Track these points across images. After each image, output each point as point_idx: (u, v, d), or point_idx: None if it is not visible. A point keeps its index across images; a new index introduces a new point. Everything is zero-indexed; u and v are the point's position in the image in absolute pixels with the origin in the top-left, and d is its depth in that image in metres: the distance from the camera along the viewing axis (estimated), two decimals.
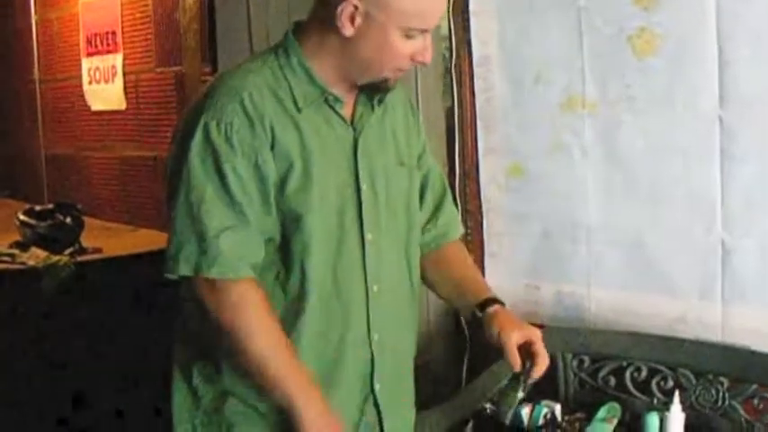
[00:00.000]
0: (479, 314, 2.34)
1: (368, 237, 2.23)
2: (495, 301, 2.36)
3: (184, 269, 2.08)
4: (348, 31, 2.09)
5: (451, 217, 2.55)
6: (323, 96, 2.18)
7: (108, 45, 5.85)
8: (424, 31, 2.13)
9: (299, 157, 2.12)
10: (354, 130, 2.24)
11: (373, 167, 2.25)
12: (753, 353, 2.78)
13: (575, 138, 3.13)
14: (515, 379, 2.30)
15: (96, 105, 6.07)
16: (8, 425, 4.15)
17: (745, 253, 2.82)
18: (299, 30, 2.22)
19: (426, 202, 2.48)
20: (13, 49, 7.16)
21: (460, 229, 2.62)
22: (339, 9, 2.07)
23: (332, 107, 2.19)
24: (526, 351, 2.28)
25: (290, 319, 2.16)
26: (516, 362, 2.26)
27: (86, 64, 6.11)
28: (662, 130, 2.94)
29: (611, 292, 3.12)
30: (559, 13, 3.12)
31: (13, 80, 7.21)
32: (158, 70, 5.36)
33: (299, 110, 2.15)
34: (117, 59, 5.76)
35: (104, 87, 5.93)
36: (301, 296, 2.17)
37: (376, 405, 2.31)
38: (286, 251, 2.16)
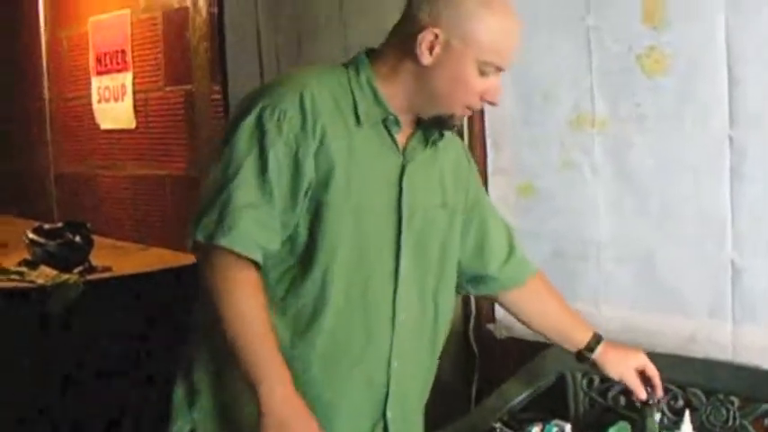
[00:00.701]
0: (588, 355, 2.58)
1: (402, 263, 2.23)
2: (596, 338, 2.59)
3: (201, 234, 2.07)
4: (426, 59, 2.12)
5: (524, 257, 2.61)
6: (384, 116, 2.19)
7: (118, 64, 5.87)
8: (498, 69, 2.16)
9: (344, 165, 2.13)
10: (404, 158, 2.24)
11: (415, 200, 2.25)
12: (764, 372, 2.77)
13: (584, 156, 3.13)
14: (647, 406, 2.58)
15: (106, 124, 6.09)
16: None
17: (755, 272, 2.81)
18: (371, 54, 2.25)
19: (493, 252, 2.53)
20: (23, 68, 7.19)
21: (523, 280, 2.63)
22: (420, 36, 2.10)
23: (388, 130, 2.20)
24: (642, 376, 2.57)
25: (300, 329, 2.16)
26: (642, 393, 2.56)
27: (96, 83, 6.13)
28: (672, 149, 2.94)
29: (621, 311, 3.12)
30: (568, 31, 3.13)
31: (23, 99, 7.23)
32: (168, 89, 5.38)
33: (359, 124, 2.16)
34: (127, 78, 5.78)
35: (114, 106, 5.95)
36: (319, 303, 2.16)
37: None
38: (310, 257, 2.15)
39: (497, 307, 3.41)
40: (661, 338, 3.00)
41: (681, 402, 2.86)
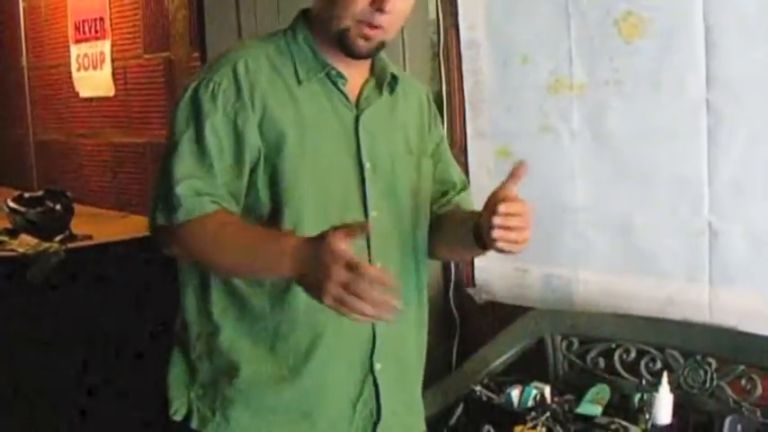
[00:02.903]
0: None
1: (372, 214, 2.20)
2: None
3: (159, 219, 2.08)
4: None
5: (468, 201, 2.48)
6: (325, 70, 2.17)
7: (96, 32, 5.84)
8: None
9: (293, 127, 2.11)
10: (358, 109, 2.22)
11: (377, 150, 2.23)
12: (740, 333, 2.81)
13: (562, 120, 3.14)
14: None
15: (85, 92, 6.06)
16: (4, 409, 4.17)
17: (732, 235, 2.84)
18: (307, 13, 2.24)
19: (448, 194, 2.44)
20: (1, 36, 7.15)
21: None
22: None
23: (334, 83, 2.18)
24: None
25: (277, 297, 2.14)
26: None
27: (75, 51, 6.10)
28: (649, 113, 2.95)
29: (599, 275, 3.14)
30: None
31: (2, 67, 7.20)
32: (147, 56, 5.35)
33: (299, 82, 2.15)
34: (105, 46, 5.75)
35: (93, 74, 5.92)
36: None
37: (375, 385, 2.27)
38: (276, 223, 2.13)
39: (477, 271, 3.44)
40: (639, 302, 3.03)
41: (659, 364, 2.90)
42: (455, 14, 3.39)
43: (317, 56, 2.18)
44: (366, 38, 2.12)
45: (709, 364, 2.82)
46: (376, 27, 2.11)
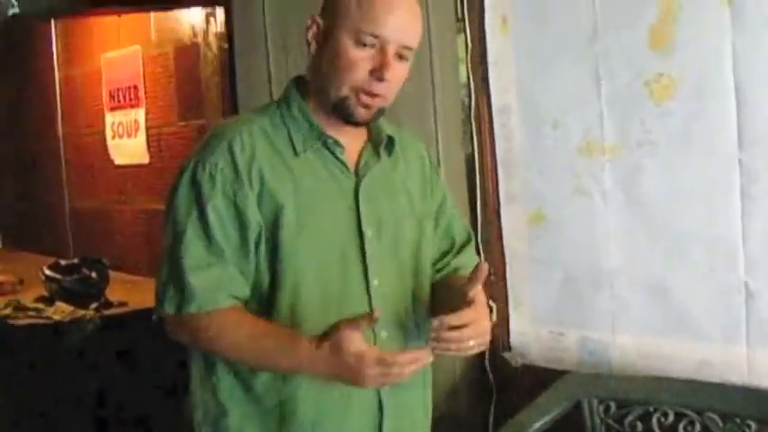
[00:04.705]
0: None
1: (373, 282, 2.20)
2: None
3: (169, 308, 2.10)
4: (312, 48, 2.14)
5: (469, 258, 2.49)
6: (321, 140, 2.16)
7: (130, 100, 5.92)
8: (376, 38, 2.08)
9: (292, 201, 2.11)
10: (357, 176, 2.21)
11: (379, 215, 2.22)
12: None
13: (595, 183, 3.13)
14: None
15: (120, 159, 6.13)
16: None
17: None
18: (300, 81, 2.25)
19: (452, 249, 2.45)
20: (38, 106, 7.24)
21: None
22: (307, 32, 2.14)
23: (332, 152, 2.18)
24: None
25: (280, 373, 2.14)
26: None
27: (110, 118, 6.18)
28: (682, 174, 2.94)
29: (635, 337, 3.11)
30: (577, 59, 3.14)
31: (38, 137, 7.28)
32: (180, 124, 5.41)
33: (296, 154, 2.15)
34: (139, 114, 5.82)
35: (127, 142, 5.99)
36: None
37: None
38: (275, 298, 2.13)
39: (513, 335, 3.42)
40: (676, 363, 3.00)
41: (698, 427, 2.86)
42: (486, 78, 3.40)
43: (312, 126, 2.17)
44: (366, 106, 2.13)
45: (749, 426, 2.78)
46: (375, 95, 2.12)
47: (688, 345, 2.98)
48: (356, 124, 2.18)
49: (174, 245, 2.10)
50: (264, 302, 2.14)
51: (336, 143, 2.18)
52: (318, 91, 2.17)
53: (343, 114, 2.14)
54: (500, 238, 3.41)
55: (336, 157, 2.19)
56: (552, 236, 3.28)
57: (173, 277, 2.09)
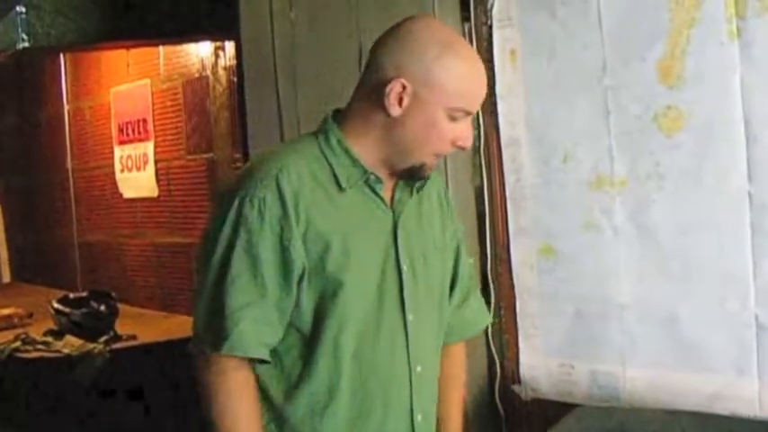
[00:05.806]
0: None
1: (409, 317, 2.22)
2: None
3: (207, 346, 2.09)
4: (395, 111, 2.10)
5: (473, 313, 2.53)
6: (364, 177, 2.17)
7: (139, 133, 5.94)
8: (467, 114, 2.14)
9: (338, 237, 2.12)
10: (393, 212, 2.23)
11: (413, 250, 2.24)
12: None
13: (605, 216, 3.13)
14: None
15: (128, 193, 6.15)
16: None
17: None
18: (338, 115, 2.24)
19: (454, 293, 2.46)
20: (47, 139, 7.27)
21: (479, 328, 2.63)
22: (388, 89, 2.09)
23: (372, 188, 2.19)
24: None
25: (319, 407, 2.15)
26: None
27: (118, 152, 6.20)
28: (692, 207, 2.94)
29: (645, 370, 3.11)
30: (586, 92, 3.15)
31: (47, 170, 7.31)
32: (189, 157, 5.43)
33: (341, 190, 2.15)
34: (148, 147, 5.84)
35: (136, 175, 6.01)
36: (333, 377, 2.15)
37: None
38: (319, 330, 2.14)
39: (523, 368, 3.41)
40: (686, 397, 2.99)
41: None
42: (495, 111, 3.41)
43: (354, 162, 2.17)
44: (432, 166, 2.21)
45: None
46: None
47: (699, 378, 2.98)
48: (420, 180, 2.25)
49: (218, 279, 2.09)
50: (306, 333, 2.15)
51: (378, 179, 2.19)
52: (389, 147, 2.17)
53: (416, 175, 2.21)
54: (509, 271, 3.40)
55: (376, 194, 2.20)
56: (562, 269, 3.28)
57: (214, 314, 2.08)
